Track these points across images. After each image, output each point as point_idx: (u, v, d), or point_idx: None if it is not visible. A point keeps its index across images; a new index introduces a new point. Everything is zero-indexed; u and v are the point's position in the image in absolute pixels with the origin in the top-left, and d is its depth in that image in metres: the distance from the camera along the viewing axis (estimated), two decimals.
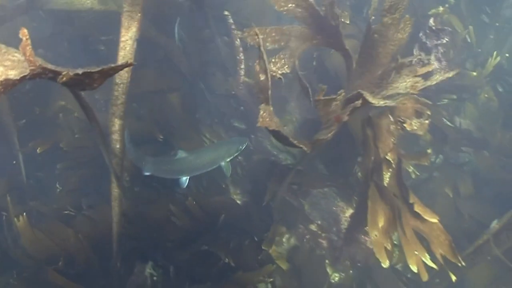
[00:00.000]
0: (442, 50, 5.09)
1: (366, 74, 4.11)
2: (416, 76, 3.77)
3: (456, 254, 4.11)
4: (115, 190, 3.94)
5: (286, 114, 5.14)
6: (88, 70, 2.52)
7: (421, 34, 5.11)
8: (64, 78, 2.48)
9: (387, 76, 3.94)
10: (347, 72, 4.25)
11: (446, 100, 5.32)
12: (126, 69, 3.54)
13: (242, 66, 4.73)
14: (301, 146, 3.58)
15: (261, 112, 3.38)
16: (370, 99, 3.40)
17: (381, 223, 4.16)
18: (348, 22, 5.60)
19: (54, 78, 2.52)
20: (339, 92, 3.55)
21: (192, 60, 5.21)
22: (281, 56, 4.06)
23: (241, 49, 4.70)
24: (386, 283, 4.90)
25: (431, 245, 4.28)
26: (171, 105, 5.16)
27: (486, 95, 5.41)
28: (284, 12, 4.07)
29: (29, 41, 2.27)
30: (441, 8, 5.03)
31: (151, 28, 5.02)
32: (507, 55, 5.64)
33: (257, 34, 3.52)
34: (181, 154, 4.40)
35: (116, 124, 3.69)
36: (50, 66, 2.48)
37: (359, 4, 5.79)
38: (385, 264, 4.05)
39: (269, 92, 3.42)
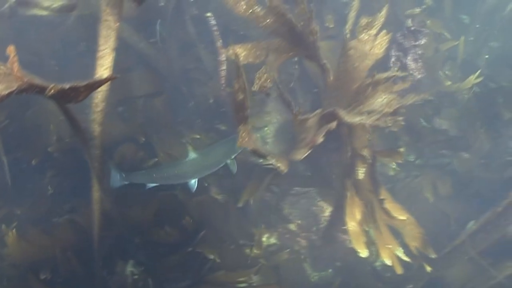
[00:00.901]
0: (419, 51, 5.15)
1: (343, 87, 4.19)
2: (392, 92, 3.87)
3: (428, 246, 4.23)
4: (96, 194, 4.05)
5: (265, 115, 5.19)
6: (74, 85, 2.63)
7: (398, 35, 5.16)
8: (51, 92, 2.58)
9: (363, 90, 4.03)
10: (324, 85, 4.32)
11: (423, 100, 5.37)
12: (108, 65, 3.63)
13: (224, 68, 4.78)
14: (278, 165, 3.73)
15: (240, 132, 3.51)
16: (345, 117, 3.51)
17: (358, 216, 4.26)
18: (332, 25, 5.66)
19: (41, 92, 2.60)
20: (315, 113, 3.63)
21: (174, 63, 5.25)
22: (263, 71, 4.11)
23: (222, 50, 4.75)
24: (365, 281, 4.98)
25: (405, 239, 4.39)
26: (155, 109, 5.22)
27: (465, 96, 5.47)
28: (263, 27, 4.12)
29: (16, 58, 2.36)
30: (417, 9, 5.09)
31: (133, 33, 5.07)
32: (486, 56, 5.70)
33: (236, 55, 3.59)
34: (191, 155, 4.43)
35: (96, 130, 3.81)
36: (37, 82, 2.57)
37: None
38: (363, 253, 4.14)
39: (247, 111, 3.52)
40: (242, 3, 4.00)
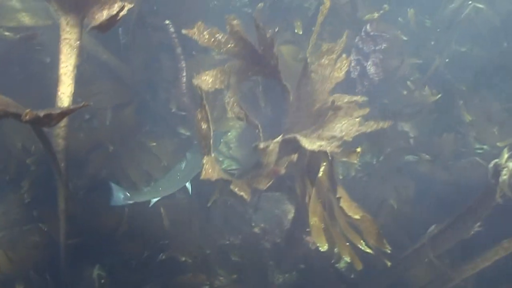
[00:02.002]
0: (380, 56, 5.23)
1: (304, 108, 4.28)
2: (352, 118, 3.96)
3: (383, 242, 4.30)
4: (61, 204, 4.11)
5: (229, 120, 5.26)
6: (49, 112, 2.73)
7: (357, 40, 5.24)
8: (27, 118, 2.68)
9: (324, 112, 4.10)
10: (285, 106, 4.41)
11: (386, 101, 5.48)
12: (68, 94, 3.68)
13: (184, 74, 4.86)
14: (241, 194, 3.82)
15: (204, 164, 3.60)
16: (306, 144, 3.59)
17: (319, 212, 4.33)
18: (301, 32, 5.72)
19: (16, 118, 2.72)
20: (276, 140, 3.74)
21: (137, 72, 5.33)
22: (230, 95, 4.20)
23: (182, 57, 4.83)
24: (328, 283, 5.04)
25: (364, 236, 4.45)
26: (121, 118, 5.30)
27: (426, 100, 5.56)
28: (225, 52, 4.20)
29: None
30: (376, 14, 5.17)
31: (97, 45, 5.14)
32: (447, 60, 5.79)
33: (199, 86, 3.68)
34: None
35: (61, 144, 3.87)
36: (12, 109, 2.69)
37: None
38: (323, 247, 4.20)
39: (211, 141, 3.61)
40: (205, 33, 4.07)
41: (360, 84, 5.38)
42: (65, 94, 3.63)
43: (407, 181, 5.54)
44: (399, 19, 5.75)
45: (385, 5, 5.35)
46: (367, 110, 4.26)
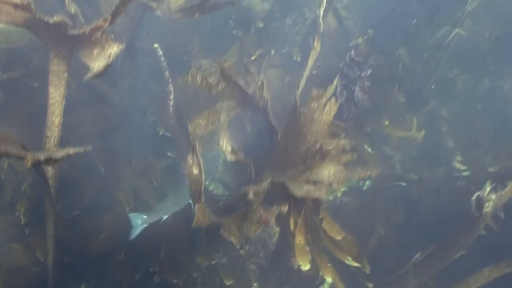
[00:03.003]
0: (367, 83, 5.27)
1: (291, 148, 4.37)
2: (339, 164, 4.07)
3: (363, 262, 4.41)
4: (50, 229, 4.25)
5: (215, 143, 5.30)
6: (49, 156, 2.95)
7: (342, 65, 5.30)
8: (28, 164, 2.91)
9: (312, 155, 4.20)
10: (272, 145, 4.51)
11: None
12: (56, 124, 3.83)
13: (172, 97, 4.94)
14: (231, 238, 4.01)
15: (196, 212, 3.73)
16: (295, 191, 3.78)
17: (304, 232, 4.38)
18: (298, 59, 5.77)
19: (18, 158, 2.94)
20: (264, 183, 3.86)
21: (126, 96, 5.41)
22: (223, 135, 4.29)
23: (170, 80, 4.91)
24: None
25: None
26: (110, 142, 5.37)
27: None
28: (216, 94, 4.34)
29: None
30: (360, 39, 5.24)
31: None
32: (432, 86, 5.85)
33: (193, 135, 3.78)
34: None
35: (50, 171, 4.02)
36: (12, 150, 2.90)
37: None
38: (306, 267, 4.25)
39: (202, 187, 3.69)
40: (198, 77, 4.22)
41: (347, 109, 5.43)
42: (54, 124, 3.78)
43: (395, 205, 5.56)
44: (385, 47, 5.80)
45: (369, 31, 5.43)
46: (354, 156, 4.43)
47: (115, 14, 3.45)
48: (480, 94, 6.04)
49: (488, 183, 4.23)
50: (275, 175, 4.17)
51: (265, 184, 3.89)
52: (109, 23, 3.46)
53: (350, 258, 4.40)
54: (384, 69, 5.60)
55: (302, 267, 4.28)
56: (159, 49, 4.83)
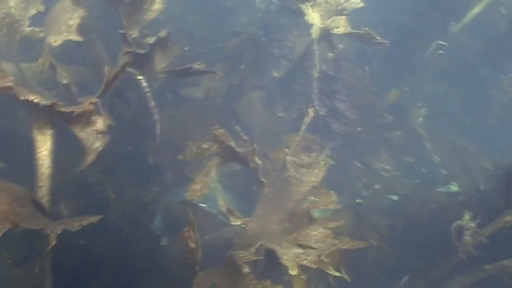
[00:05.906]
0: (343, 97, 5.29)
1: (278, 203, 4.50)
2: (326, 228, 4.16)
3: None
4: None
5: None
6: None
7: (315, 78, 5.31)
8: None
9: (298, 214, 4.33)
10: (259, 200, 4.61)
11: None
12: (47, 175, 3.87)
13: (158, 127, 5.06)
14: None
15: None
16: (285, 259, 3.84)
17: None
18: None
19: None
20: (253, 250, 3.94)
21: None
22: (221, 199, 4.52)
23: (156, 110, 5.04)
24: None
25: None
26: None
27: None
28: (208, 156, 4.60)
29: None
30: (330, 54, 5.26)
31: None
32: (424, 109, 5.88)
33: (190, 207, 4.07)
34: None
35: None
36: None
37: None
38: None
39: (199, 258, 3.82)
40: (193, 148, 4.52)
41: (336, 123, 5.46)
42: (44, 175, 3.83)
43: (387, 219, 5.60)
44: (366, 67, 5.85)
45: (340, 45, 5.45)
46: (341, 222, 4.40)
47: (104, 90, 3.67)
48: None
49: (466, 212, 4.26)
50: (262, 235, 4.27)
51: (255, 249, 3.99)
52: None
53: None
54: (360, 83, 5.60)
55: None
56: (144, 80, 4.96)
